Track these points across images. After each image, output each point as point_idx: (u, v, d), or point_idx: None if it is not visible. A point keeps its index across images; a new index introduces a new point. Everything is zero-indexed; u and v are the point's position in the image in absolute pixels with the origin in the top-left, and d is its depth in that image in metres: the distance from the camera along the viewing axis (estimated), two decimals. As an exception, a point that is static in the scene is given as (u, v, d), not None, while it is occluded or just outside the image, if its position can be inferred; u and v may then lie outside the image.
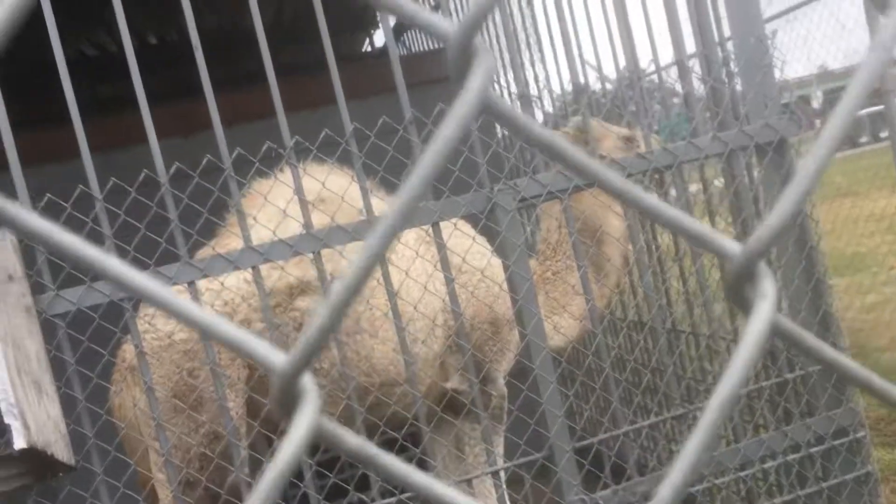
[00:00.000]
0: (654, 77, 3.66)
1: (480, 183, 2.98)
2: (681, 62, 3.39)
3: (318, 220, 2.97)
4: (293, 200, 2.92)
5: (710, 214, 3.62)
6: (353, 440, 0.52)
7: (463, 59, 0.52)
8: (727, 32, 3.36)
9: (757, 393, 3.42)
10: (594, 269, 3.55)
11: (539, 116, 4.74)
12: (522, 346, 3.07)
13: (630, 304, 4.30)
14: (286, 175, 3.04)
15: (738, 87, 3.32)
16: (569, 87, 4.12)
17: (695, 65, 3.45)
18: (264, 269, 2.96)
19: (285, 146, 2.84)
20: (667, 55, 3.62)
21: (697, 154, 3.17)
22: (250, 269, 2.88)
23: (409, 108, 2.91)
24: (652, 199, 0.60)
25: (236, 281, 3.12)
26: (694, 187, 3.75)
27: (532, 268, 3.53)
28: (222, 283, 3.00)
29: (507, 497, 3.29)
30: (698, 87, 3.43)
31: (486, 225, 3.06)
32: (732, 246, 0.56)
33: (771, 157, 3.23)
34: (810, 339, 0.59)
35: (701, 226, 0.57)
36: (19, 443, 2.59)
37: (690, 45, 3.44)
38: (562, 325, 3.56)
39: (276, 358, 0.52)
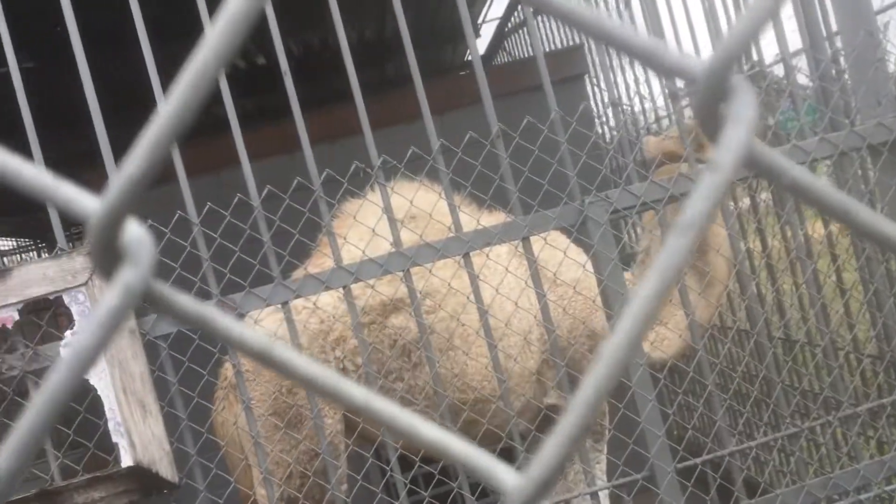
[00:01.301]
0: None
1: (571, 195, 2.90)
2: (785, 59, 3.21)
3: (409, 237, 2.97)
4: (383, 219, 2.93)
5: (822, 220, 3.41)
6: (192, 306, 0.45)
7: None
8: (835, 27, 3.16)
9: (878, 409, 3.20)
10: (697, 282, 3.41)
11: (638, 121, 4.61)
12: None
13: (737, 312, 4.10)
14: (375, 194, 3.06)
15: (849, 85, 3.11)
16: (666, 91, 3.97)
17: (801, 62, 3.26)
18: (358, 287, 2.98)
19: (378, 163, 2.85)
20: (771, 52, 3.45)
21: (804, 157, 2.99)
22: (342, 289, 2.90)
23: (495, 122, 2.86)
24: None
25: (331, 300, 3.15)
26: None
27: (630, 280, 3.42)
28: (315, 303, 3.04)
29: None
30: (805, 86, 3.24)
31: (579, 238, 2.98)
32: (694, 64, 0.46)
33: (886, 159, 3.01)
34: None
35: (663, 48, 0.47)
36: (126, 460, 2.70)
37: (795, 42, 3.25)
38: (662, 339, 3.43)
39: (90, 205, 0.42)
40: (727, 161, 0.44)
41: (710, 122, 0.45)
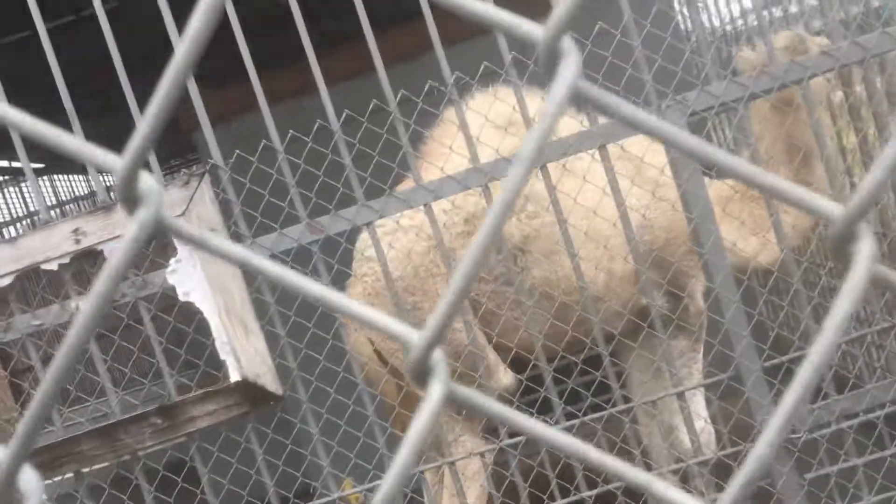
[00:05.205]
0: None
1: (647, 100, 2.87)
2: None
3: (511, 144, 3.01)
4: (485, 127, 2.99)
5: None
6: (491, 405, 0.58)
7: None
8: None
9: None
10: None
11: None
12: (703, 265, 2.98)
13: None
14: (478, 101, 3.14)
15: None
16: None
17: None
18: (460, 197, 3.08)
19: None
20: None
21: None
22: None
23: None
24: (735, 161, 0.60)
25: (435, 212, 3.20)
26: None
27: (732, 184, 3.39)
28: (419, 226, 3.17)
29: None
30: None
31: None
32: (833, 209, 0.57)
33: None
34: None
35: (798, 189, 0.58)
36: (234, 376, 2.89)
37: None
38: (747, 247, 3.45)
39: (412, 336, 0.57)
40: (852, 295, 0.55)
41: (840, 255, 0.58)
